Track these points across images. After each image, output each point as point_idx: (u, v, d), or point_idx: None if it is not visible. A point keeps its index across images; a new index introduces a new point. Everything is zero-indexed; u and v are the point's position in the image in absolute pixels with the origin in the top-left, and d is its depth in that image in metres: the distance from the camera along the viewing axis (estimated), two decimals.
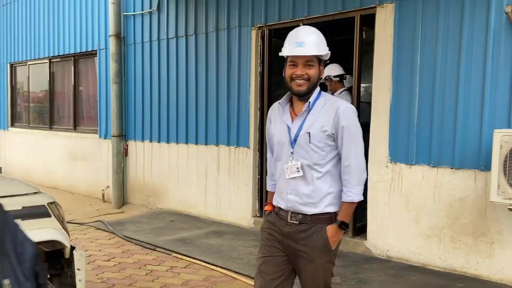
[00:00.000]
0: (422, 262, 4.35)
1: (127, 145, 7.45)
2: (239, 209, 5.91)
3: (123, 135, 7.43)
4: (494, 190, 3.48)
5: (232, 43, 5.89)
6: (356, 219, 4.93)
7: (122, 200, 7.45)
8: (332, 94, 5.20)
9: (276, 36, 5.66)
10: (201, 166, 6.36)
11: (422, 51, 4.29)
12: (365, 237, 4.78)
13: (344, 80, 5.46)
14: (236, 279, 4.09)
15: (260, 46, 5.65)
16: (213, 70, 6.12)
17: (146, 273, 4.23)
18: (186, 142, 6.54)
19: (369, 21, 4.75)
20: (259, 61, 5.66)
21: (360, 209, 4.99)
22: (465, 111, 4.04)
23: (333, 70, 5.40)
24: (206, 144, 6.28)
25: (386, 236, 4.59)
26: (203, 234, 5.50)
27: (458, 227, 4.13)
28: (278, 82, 6.20)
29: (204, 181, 6.33)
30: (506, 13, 3.76)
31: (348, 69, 5.04)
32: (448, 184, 4.17)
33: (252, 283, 3.95)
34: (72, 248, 2.72)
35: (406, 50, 4.39)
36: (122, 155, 7.43)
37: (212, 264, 4.42)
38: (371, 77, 4.79)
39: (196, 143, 6.41)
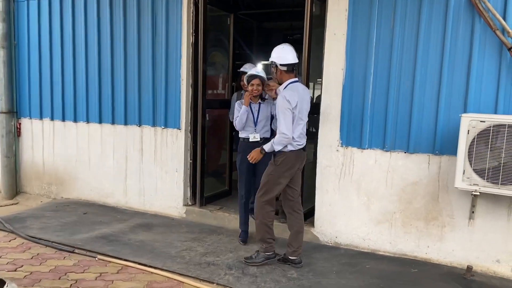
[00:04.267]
0: (372, 248, 4.25)
1: (19, 124, 6.20)
2: (168, 198, 5.25)
3: (15, 112, 6.16)
4: (459, 176, 3.42)
5: (158, 7, 5.07)
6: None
7: (15, 189, 6.26)
8: None
9: (211, 3, 5.01)
10: (120, 150, 5.51)
11: (378, 29, 4.06)
12: (312, 224, 4.54)
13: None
14: (183, 282, 3.51)
15: (193, 13, 4.95)
16: (133, 36, 5.24)
17: (71, 285, 3.42)
18: (100, 122, 5.59)
19: None
20: (191, 31, 4.97)
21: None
22: (421, 94, 3.93)
23: None
24: (125, 124, 5.43)
25: (335, 223, 4.40)
26: (128, 228, 4.76)
27: (410, 211, 4.07)
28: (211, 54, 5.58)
29: (123, 166, 5.50)
30: None
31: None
32: (401, 168, 4.07)
33: (201, 285, 3.44)
34: None
35: (361, 27, 4.13)
36: (13, 136, 6.17)
37: (150, 266, 3.76)
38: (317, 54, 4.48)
39: (113, 123, 5.51)
